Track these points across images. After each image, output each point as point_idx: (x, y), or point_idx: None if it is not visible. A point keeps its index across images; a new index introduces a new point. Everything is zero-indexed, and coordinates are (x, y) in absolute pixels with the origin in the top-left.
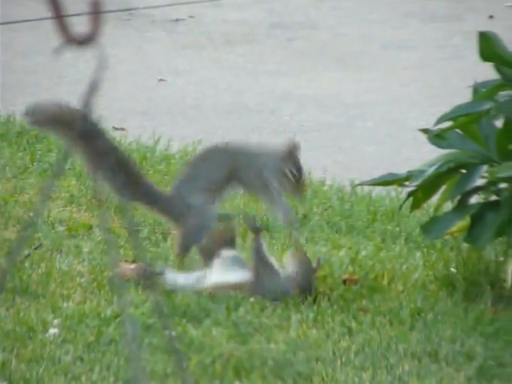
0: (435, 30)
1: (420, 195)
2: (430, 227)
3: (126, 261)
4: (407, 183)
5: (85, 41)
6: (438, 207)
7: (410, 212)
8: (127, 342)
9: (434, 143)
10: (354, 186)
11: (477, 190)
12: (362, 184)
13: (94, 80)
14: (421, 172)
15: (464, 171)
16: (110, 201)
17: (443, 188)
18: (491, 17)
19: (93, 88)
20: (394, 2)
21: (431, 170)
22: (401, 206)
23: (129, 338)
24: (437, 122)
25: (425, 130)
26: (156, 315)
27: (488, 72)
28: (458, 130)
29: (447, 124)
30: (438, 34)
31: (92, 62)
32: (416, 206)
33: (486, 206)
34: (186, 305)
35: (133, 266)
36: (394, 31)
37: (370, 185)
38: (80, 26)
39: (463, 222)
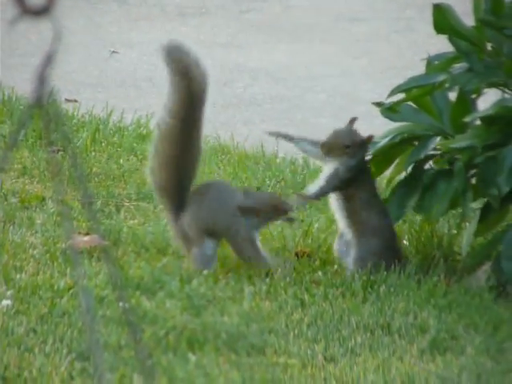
0: (388, 2)
1: (373, 168)
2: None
3: (80, 233)
4: None
5: (40, 12)
6: (390, 180)
7: None
8: (81, 313)
9: (386, 116)
10: (306, 159)
11: (428, 159)
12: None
13: (50, 52)
14: (374, 143)
15: (417, 143)
16: (63, 172)
17: (396, 161)
18: None
19: (48, 60)
20: None
21: (384, 141)
22: None
23: (83, 310)
24: (390, 94)
25: (378, 103)
26: (110, 287)
27: (441, 45)
28: (411, 103)
29: (401, 96)
30: (391, 6)
31: (45, 34)
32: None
33: (439, 175)
34: (139, 277)
35: (86, 238)
36: (347, 3)
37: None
38: None
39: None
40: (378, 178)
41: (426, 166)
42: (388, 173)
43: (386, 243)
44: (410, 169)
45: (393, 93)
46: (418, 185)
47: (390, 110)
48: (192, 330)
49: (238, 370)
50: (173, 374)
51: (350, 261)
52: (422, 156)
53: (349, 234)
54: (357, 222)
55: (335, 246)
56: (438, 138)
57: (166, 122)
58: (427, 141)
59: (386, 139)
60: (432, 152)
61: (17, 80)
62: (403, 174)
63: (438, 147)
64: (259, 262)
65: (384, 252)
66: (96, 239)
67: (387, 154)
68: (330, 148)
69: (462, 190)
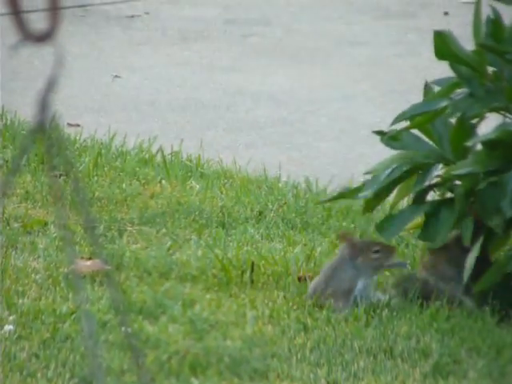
0: (389, 26)
1: (371, 201)
2: (385, 226)
3: (82, 258)
4: (361, 194)
5: (43, 37)
6: (393, 206)
7: (362, 215)
8: (84, 338)
9: (387, 145)
10: (308, 180)
11: (432, 187)
12: (321, 202)
13: (52, 77)
14: (374, 179)
15: (420, 172)
16: (66, 197)
17: (398, 187)
18: (446, 13)
19: (50, 85)
20: None
21: (383, 177)
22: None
23: (85, 335)
24: (394, 122)
25: (379, 132)
26: (112, 312)
27: (443, 68)
28: (411, 131)
29: (402, 123)
30: (392, 30)
31: (47, 58)
32: (367, 209)
33: (441, 204)
34: (142, 301)
35: (89, 262)
36: (348, 27)
37: (327, 202)
38: (37, 22)
39: (418, 220)
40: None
41: (430, 194)
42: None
43: None
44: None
45: (397, 120)
46: (419, 211)
47: (391, 139)
48: (195, 355)
49: None
50: None
51: None
52: (426, 185)
53: None
54: None
55: None
56: (440, 166)
57: None
58: (429, 169)
59: (386, 173)
60: (434, 181)
61: (19, 104)
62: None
63: (440, 174)
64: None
65: None
66: (98, 264)
67: (387, 189)
68: None
69: (463, 218)
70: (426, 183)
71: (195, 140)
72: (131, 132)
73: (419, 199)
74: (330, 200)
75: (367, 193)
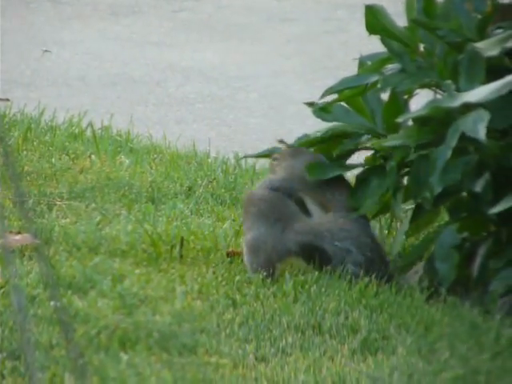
0: (319, 2)
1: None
2: (315, 169)
3: (12, 232)
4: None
5: None
6: None
7: None
8: (13, 312)
9: (318, 116)
10: (238, 159)
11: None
12: (246, 157)
13: None
14: (305, 136)
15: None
16: None
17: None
18: None
19: None
20: None
21: (315, 135)
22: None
23: (14, 309)
24: (323, 95)
25: (310, 104)
26: (41, 286)
27: (373, 46)
28: (343, 104)
29: (333, 97)
30: (322, 6)
31: None
32: None
33: (371, 172)
34: (71, 276)
35: (18, 236)
36: (278, 3)
37: (255, 157)
38: None
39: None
40: None
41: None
42: None
43: None
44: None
45: (325, 94)
46: (346, 168)
47: (322, 110)
48: (124, 330)
49: (170, 370)
50: (104, 373)
51: None
52: (353, 147)
53: None
54: None
55: None
56: (370, 136)
57: None
58: (359, 137)
59: (318, 134)
60: (364, 150)
61: None
62: None
63: (371, 146)
64: None
65: None
66: (28, 238)
67: (318, 148)
68: None
69: (394, 190)
70: (355, 145)
71: (125, 115)
72: (61, 107)
73: (344, 157)
74: (257, 156)
75: (299, 143)
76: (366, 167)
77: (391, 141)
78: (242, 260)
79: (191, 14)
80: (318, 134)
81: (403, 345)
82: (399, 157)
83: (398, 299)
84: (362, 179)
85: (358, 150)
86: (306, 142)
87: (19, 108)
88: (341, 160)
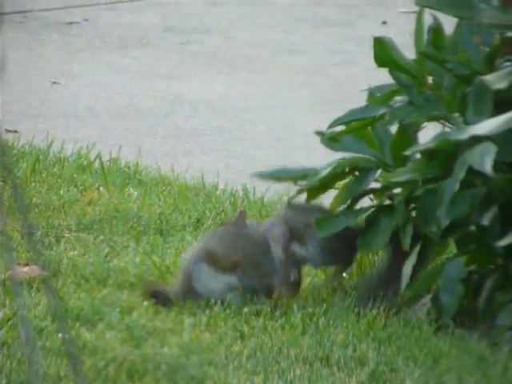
0: (327, 35)
1: (315, 189)
2: (324, 224)
3: (20, 264)
4: (300, 183)
5: None
6: (333, 209)
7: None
8: (21, 344)
9: (327, 145)
10: (245, 188)
11: (370, 191)
12: (255, 175)
13: None
14: (316, 172)
15: (358, 174)
16: (3, 203)
17: (337, 193)
18: (384, 23)
19: None
20: (285, 7)
21: (327, 171)
22: (289, 202)
23: (22, 341)
24: (330, 126)
25: (319, 133)
26: (49, 318)
27: (380, 78)
28: (352, 135)
29: (340, 129)
30: (330, 39)
31: None
32: (311, 198)
33: (380, 210)
34: (79, 308)
35: (26, 268)
36: (286, 36)
37: (263, 178)
38: None
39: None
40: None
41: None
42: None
43: None
44: (349, 201)
45: (333, 125)
46: (354, 215)
47: (331, 140)
48: (132, 362)
49: None
50: None
51: None
52: (362, 190)
53: None
54: None
55: None
56: (379, 172)
57: None
58: (367, 174)
59: (329, 168)
60: (372, 186)
61: None
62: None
63: (379, 180)
64: None
65: None
66: (36, 270)
67: (327, 184)
68: None
69: (402, 224)
70: (364, 187)
71: (134, 147)
72: (69, 139)
73: (354, 204)
74: (266, 177)
75: (309, 182)
76: (374, 208)
77: (399, 176)
78: None
79: (199, 46)
80: (328, 170)
81: (411, 377)
82: (407, 191)
83: (406, 332)
84: (370, 220)
85: (367, 193)
86: (319, 181)
87: (27, 139)
88: (349, 208)
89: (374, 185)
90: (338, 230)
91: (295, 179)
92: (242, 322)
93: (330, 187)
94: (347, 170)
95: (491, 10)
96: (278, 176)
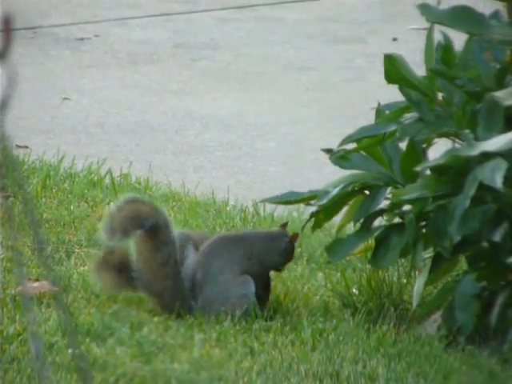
0: (337, 51)
1: (322, 216)
2: (334, 249)
3: (30, 279)
4: (312, 202)
5: None
6: (340, 228)
7: (312, 232)
8: (31, 359)
9: (336, 164)
10: (255, 204)
11: (381, 212)
12: (263, 201)
13: (3, 98)
14: (326, 192)
15: (368, 193)
16: (14, 218)
17: (345, 209)
18: (395, 39)
19: (2, 106)
20: (295, 24)
21: (336, 190)
22: (303, 227)
23: (33, 356)
24: (341, 143)
25: (328, 151)
26: (60, 333)
27: (391, 95)
28: (361, 152)
29: (351, 146)
30: (341, 55)
31: None
32: (317, 226)
33: (391, 229)
34: (89, 323)
35: (36, 284)
36: (296, 52)
37: (272, 203)
38: None
39: (366, 244)
40: (327, 225)
41: (377, 219)
42: (337, 219)
43: None
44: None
45: (343, 142)
46: (366, 236)
47: (340, 158)
48: (142, 377)
49: None
50: None
51: None
52: (373, 210)
53: None
54: None
55: None
56: (389, 189)
57: None
58: (378, 192)
59: (338, 188)
60: (382, 205)
61: None
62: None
63: (389, 197)
64: None
65: None
66: (46, 285)
67: (338, 203)
68: None
69: (413, 241)
70: (375, 207)
71: (144, 163)
72: (80, 154)
73: (367, 224)
74: (274, 202)
75: (319, 203)
76: (385, 227)
77: (409, 194)
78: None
79: (210, 62)
80: (337, 190)
81: None
82: (417, 209)
83: (417, 348)
84: (381, 238)
85: (379, 215)
86: (328, 201)
87: (38, 155)
88: (361, 229)
89: (384, 202)
90: (350, 253)
91: (305, 201)
92: (252, 337)
93: (342, 206)
94: (357, 187)
95: (501, 27)
96: (287, 200)
